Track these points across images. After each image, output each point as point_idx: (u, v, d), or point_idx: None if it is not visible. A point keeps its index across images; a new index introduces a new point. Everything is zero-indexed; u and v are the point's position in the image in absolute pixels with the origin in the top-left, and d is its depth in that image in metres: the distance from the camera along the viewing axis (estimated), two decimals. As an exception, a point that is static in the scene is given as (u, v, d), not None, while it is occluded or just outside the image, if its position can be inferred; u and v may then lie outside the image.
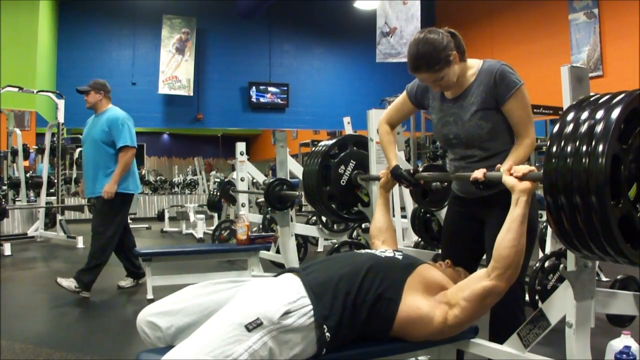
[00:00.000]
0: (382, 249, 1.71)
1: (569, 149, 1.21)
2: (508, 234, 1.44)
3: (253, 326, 1.23)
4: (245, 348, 1.21)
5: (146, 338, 1.42)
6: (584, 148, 1.18)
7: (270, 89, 11.70)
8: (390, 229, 2.00)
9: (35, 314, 3.35)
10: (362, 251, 1.70)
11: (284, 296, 1.32)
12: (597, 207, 1.15)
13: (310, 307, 1.32)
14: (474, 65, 1.78)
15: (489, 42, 10.73)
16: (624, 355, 1.55)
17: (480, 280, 1.47)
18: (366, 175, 2.43)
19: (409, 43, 1.72)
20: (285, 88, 11.78)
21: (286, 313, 1.27)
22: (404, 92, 2.01)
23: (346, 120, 5.81)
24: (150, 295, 3.55)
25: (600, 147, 1.15)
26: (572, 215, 1.20)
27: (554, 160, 1.23)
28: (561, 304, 1.51)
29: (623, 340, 1.58)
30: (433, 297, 1.49)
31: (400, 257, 1.58)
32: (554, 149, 1.24)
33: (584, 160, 1.17)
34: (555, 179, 1.22)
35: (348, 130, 5.72)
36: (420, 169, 2.21)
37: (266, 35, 11.73)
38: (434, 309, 1.46)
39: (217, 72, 11.35)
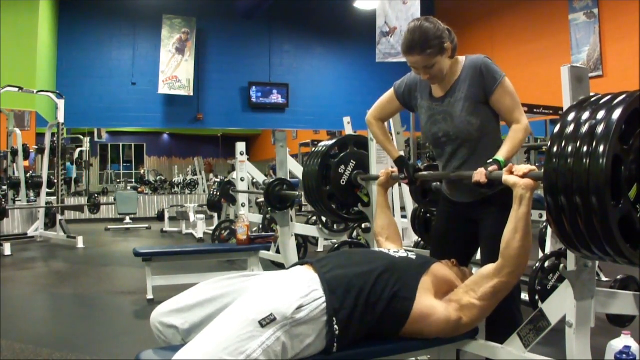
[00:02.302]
0: (394, 249, 1.72)
1: (569, 149, 1.21)
2: (516, 234, 1.45)
3: (267, 322, 1.23)
4: (259, 344, 1.21)
5: (160, 336, 1.41)
6: (585, 148, 1.18)
7: (270, 89, 11.70)
8: (392, 226, 2.03)
9: (35, 314, 3.34)
10: (377, 249, 1.71)
11: (296, 290, 1.33)
12: (597, 208, 1.15)
13: (323, 299, 1.33)
14: (458, 61, 1.82)
15: (489, 42, 10.72)
16: (624, 355, 1.55)
17: (491, 278, 1.49)
18: (366, 175, 2.43)
19: (407, 28, 1.77)
20: (285, 88, 11.77)
21: (299, 307, 1.28)
22: (391, 90, 2.01)
23: (346, 120, 5.81)
24: (150, 296, 3.55)
25: (601, 148, 1.15)
26: (572, 215, 1.20)
27: (554, 161, 1.23)
28: (561, 304, 1.51)
29: (623, 340, 1.58)
30: (445, 295, 1.52)
31: (414, 257, 1.60)
32: (555, 149, 1.25)
33: (584, 160, 1.17)
34: (555, 179, 1.22)
35: (348, 130, 5.71)
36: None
37: (266, 35, 11.73)
38: (447, 308, 1.48)
39: (217, 72, 11.34)
